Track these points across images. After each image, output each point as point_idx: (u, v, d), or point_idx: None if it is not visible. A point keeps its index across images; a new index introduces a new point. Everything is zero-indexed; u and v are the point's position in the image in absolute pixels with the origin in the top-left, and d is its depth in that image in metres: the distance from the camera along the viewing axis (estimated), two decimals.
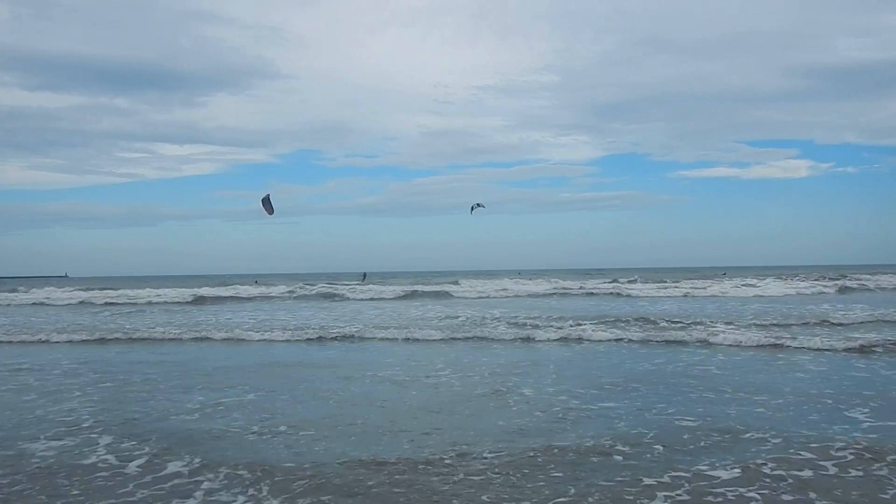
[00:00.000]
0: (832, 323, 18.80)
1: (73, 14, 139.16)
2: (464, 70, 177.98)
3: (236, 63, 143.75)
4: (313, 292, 40.45)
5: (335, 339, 17.02)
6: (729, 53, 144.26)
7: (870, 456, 6.31)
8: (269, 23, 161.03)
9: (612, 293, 37.38)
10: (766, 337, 15.19)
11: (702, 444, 6.83)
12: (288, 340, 17.09)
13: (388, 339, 16.89)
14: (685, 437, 7.09)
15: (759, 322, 19.04)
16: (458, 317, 22.26)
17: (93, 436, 7.63)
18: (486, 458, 6.50)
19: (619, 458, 6.41)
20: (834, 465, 6.10)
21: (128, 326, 20.97)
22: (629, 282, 45.72)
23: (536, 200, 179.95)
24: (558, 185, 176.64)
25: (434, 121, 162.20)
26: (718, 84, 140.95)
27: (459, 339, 16.55)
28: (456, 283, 46.27)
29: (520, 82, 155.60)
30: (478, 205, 30.96)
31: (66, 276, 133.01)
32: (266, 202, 24.30)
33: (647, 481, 5.73)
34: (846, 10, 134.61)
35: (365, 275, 67.70)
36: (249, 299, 37.13)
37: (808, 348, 13.84)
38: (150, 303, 34.73)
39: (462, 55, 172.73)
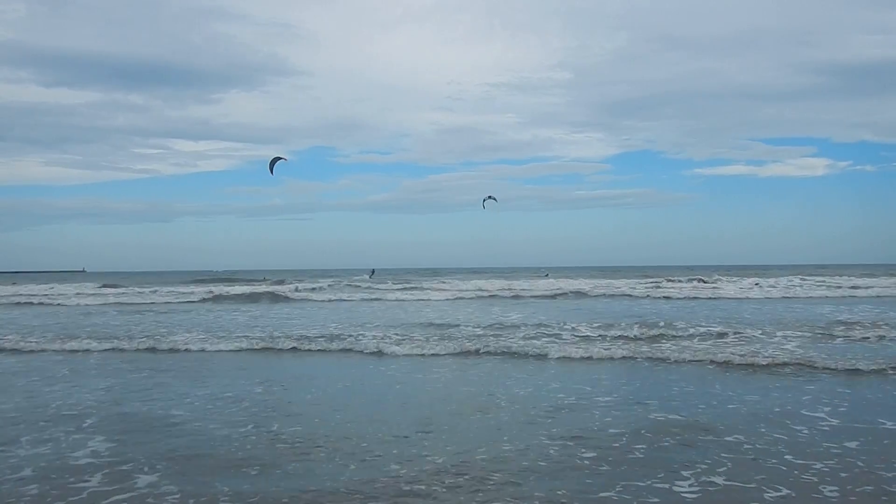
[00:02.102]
0: None
1: (87, 11, 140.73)
2: (477, 67, 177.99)
3: (249, 60, 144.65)
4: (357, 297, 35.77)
5: None
6: (741, 50, 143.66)
7: None
8: (281, 19, 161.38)
9: (712, 297, 32.33)
10: None
11: None
12: None
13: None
14: None
15: None
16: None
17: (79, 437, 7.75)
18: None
19: None
20: None
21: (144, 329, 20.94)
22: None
23: (550, 198, 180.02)
24: (572, 182, 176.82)
25: (447, 118, 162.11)
26: (731, 81, 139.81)
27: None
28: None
29: (533, 79, 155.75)
30: (489, 197, 31.37)
31: (83, 272, 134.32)
32: (273, 163, 24.91)
33: None
34: (860, 6, 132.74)
35: (373, 271, 68.51)
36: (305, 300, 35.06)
37: None
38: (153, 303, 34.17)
39: (475, 52, 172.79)
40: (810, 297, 32.45)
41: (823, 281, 41.77)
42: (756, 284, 38.56)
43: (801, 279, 42.68)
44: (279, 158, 25.61)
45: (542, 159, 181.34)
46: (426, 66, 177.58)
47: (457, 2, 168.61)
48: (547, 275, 60.02)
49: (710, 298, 31.79)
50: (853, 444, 7.02)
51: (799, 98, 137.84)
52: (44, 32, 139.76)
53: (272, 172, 25.57)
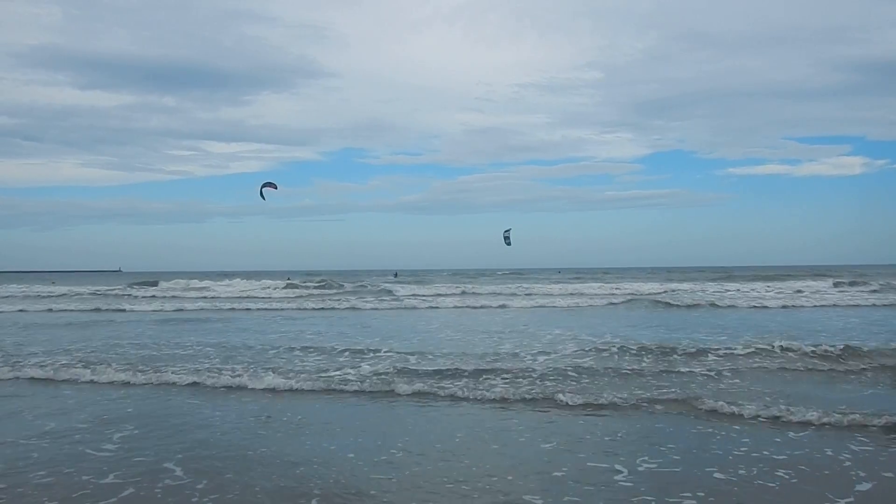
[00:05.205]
0: None
1: (121, 15, 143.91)
2: (506, 67, 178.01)
3: (279, 62, 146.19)
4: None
5: None
6: (773, 48, 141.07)
7: None
8: (311, 21, 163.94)
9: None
10: None
11: None
12: None
13: None
14: None
15: None
16: None
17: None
18: None
19: None
20: None
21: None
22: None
23: (580, 198, 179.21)
24: (603, 182, 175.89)
25: (477, 118, 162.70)
26: (763, 79, 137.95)
27: None
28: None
29: (562, 79, 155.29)
30: (507, 232, 30.38)
31: (119, 271, 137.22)
32: (266, 187, 24.53)
33: None
34: (893, 1, 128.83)
35: (396, 273, 70.10)
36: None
37: None
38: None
39: (504, 52, 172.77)
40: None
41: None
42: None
43: None
44: (269, 185, 24.85)
45: (572, 160, 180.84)
46: (455, 67, 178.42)
47: (486, 2, 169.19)
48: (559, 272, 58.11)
49: None
50: None
51: (832, 96, 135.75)
52: (79, 36, 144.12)
53: (263, 197, 24.94)
